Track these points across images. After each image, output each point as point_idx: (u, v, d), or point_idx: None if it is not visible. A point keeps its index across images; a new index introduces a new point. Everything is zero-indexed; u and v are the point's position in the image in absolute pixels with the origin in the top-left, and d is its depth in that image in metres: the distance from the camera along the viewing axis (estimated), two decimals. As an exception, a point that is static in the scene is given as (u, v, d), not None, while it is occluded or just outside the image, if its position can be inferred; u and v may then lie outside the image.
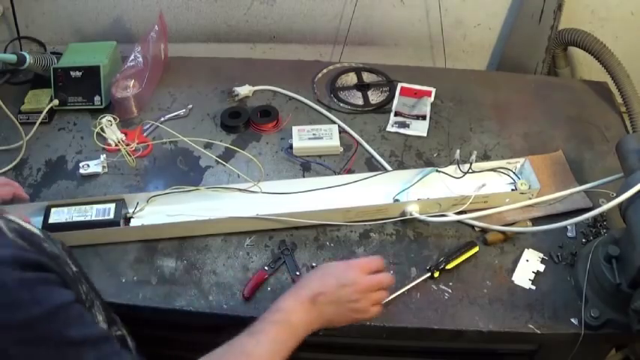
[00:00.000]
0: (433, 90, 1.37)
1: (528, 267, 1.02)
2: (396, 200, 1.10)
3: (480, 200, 1.09)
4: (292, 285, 0.88)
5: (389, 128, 1.29)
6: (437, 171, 1.12)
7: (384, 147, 1.25)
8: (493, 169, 1.15)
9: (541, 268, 1.02)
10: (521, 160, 1.15)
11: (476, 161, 1.12)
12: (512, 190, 1.12)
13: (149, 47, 1.34)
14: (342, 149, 1.23)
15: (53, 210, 1.03)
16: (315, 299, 0.80)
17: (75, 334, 0.56)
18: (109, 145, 1.23)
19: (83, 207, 1.05)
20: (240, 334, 0.76)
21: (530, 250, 1.05)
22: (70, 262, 0.72)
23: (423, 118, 1.30)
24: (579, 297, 0.96)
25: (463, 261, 1.03)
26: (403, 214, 1.08)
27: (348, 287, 0.82)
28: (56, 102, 1.29)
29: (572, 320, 0.95)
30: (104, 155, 1.19)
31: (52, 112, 1.31)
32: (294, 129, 1.23)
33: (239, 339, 0.75)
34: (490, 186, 1.13)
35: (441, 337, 0.97)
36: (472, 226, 1.09)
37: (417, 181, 1.12)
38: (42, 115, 1.26)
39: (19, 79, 1.41)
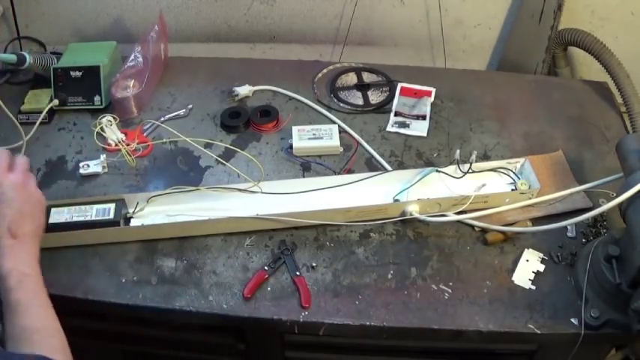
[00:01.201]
0: (433, 90, 1.37)
1: (528, 267, 1.02)
2: (396, 200, 1.10)
3: (480, 200, 1.09)
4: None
5: (389, 128, 1.29)
6: (437, 171, 1.12)
7: (384, 147, 1.25)
8: (493, 169, 1.15)
9: (541, 268, 1.02)
10: (521, 160, 1.15)
11: (476, 161, 1.12)
12: (512, 190, 1.11)
13: (149, 47, 1.34)
14: (342, 149, 1.23)
15: (53, 210, 1.03)
16: (12, 233, 0.81)
17: None
18: (109, 145, 1.23)
19: (83, 207, 1.04)
20: (7, 320, 0.76)
21: (530, 250, 1.05)
22: None
23: (423, 118, 1.30)
24: (579, 297, 0.96)
25: (462, 261, 1.03)
26: (403, 214, 1.08)
27: (14, 193, 0.84)
28: (56, 102, 1.29)
29: (572, 320, 0.95)
30: (104, 155, 1.19)
31: (52, 112, 1.31)
32: (294, 129, 1.24)
33: (15, 325, 0.75)
34: (490, 186, 1.13)
35: (441, 337, 0.97)
36: (472, 226, 1.08)
37: (417, 181, 1.12)
38: (42, 115, 1.26)
39: (19, 79, 1.41)
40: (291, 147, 1.22)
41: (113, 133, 1.23)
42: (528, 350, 1.07)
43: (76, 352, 0.77)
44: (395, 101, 1.35)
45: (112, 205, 1.05)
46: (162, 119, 1.30)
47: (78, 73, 1.30)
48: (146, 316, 1.00)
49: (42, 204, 0.89)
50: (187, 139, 1.15)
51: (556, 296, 0.98)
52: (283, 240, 1.07)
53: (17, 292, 0.77)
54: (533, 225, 1.07)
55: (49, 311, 0.79)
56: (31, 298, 0.78)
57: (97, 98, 1.31)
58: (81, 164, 1.19)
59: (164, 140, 1.24)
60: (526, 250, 1.05)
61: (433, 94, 1.36)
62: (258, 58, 1.55)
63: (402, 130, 1.28)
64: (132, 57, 1.31)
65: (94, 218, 1.03)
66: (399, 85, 1.39)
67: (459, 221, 1.08)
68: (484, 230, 1.07)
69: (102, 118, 1.23)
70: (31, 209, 0.85)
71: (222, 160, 1.18)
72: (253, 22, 1.56)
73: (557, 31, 1.45)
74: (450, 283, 1.00)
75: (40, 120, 1.25)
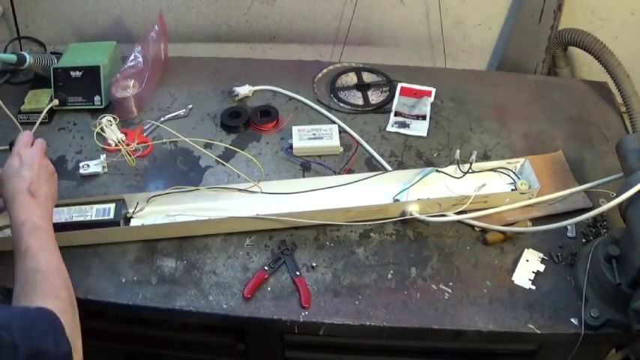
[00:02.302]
0: (433, 90, 1.37)
1: (528, 267, 1.02)
2: (396, 200, 1.10)
3: (480, 200, 1.09)
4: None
5: (389, 128, 1.29)
6: (437, 171, 1.12)
7: (384, 147, 1.24)
8: (493, 169, 1.15)
9: (541, 268, 1.02)
10: (521, 160, 1.15)
11: (476, 161, 1.12)
12: (512, 190, 1.11)
13: (149, 47, 1.34)
14: (342, 149, 1.23)
15: (53, 210, 1.03)
16: (31, 192, 0.89)
17: None
18: (109, 145, 1.23)
19: (83, 207, 1.05)
20: (16, 267, 0.80)
21: (530, 250, 1.05)
22: None
23: (423, 118, 1.30)
24: (579, 297, 0.96)
25: (462, 261, 1.03)
26: (403, 214, 1.08)
27: (34, 160, 0.93)
28: (56, 102, 1.29)
29: (572, 320, 0.95)
30: (104, 155, 1.19)
31: (52, 112, 1.31)
32: (294, 129, 1.24)
33: (21, 269, 0.80)
34: (490, 186, 1.13)
35: (441, 337, 0.97)
36: (472, 226, 1.08)
37: (417, 181, 1.12)
38: (42, 115, 1.26)
39: (19, 79, 1.41)
40: (291, 147, 1.22)
41: (113, 133, 1.23)
42: (528, 350, 1.07)
43: (76, 352, 0.77)
44: (395, 101, 1.35)
45: (112, 205, 1.05)
46: (163, 119, 1.30)
47: (78, 73, 1.30)
48: (146, 316, 1.00)
49: (55, 176, 0.97)
50: (187, 140, 1.15)
51: (556, 296, 0.98)
52: (283, 240, 1.07)
53: (28, 240, 0.82)
54: (533, 225, 1.07)
55: (56, 256, 0.83)
56: (40, 245, 0.82)
57: (97, 98, 1.31)
58: (81, 164, 1.19)
59: (164, 140, 1.24)
60: (526, 250, 1.05)
61: (433, 94, 1.36)
62: (258, 58, 1.55)
63: (402, 130, 1.28)
64: (132, 57, 1.31)
65: (94, 218, 1.03)
66: (399, 85, 1.39)
67: (459, 221, 1.08)
68: (484, 230, 1.07)
69: (102, 118, 1.22)
70: (47, 176, 0.94)
71: (222, 161, 1.18)
72: (253, 22, 1.56)
73: (557, 31, 1.45)
74: (450, 283, 1.00)
75: (40, 120, 1.25)
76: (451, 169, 1.13)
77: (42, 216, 0.87)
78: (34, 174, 0.91)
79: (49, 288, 0.77)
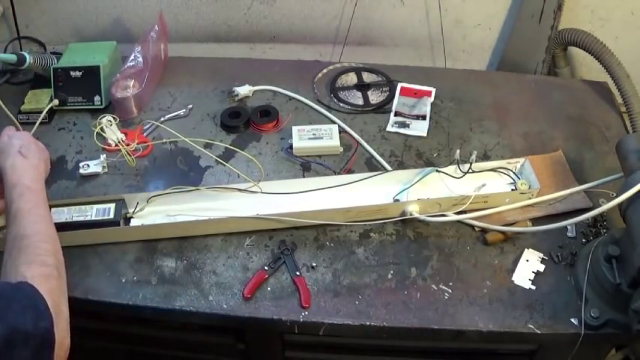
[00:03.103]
0: (433, 90, 1.37)
1: (528, 267, 1.02)
2: (396, 200, 1.10)
3: (480, 200, 1.09)
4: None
5: (389, 128, 1.29)
6: (437, 171, 1.12)
7: (384, 147, 1.24)
8: (493, 169, 1.15)
9: (541, 268, 1.02)
10: (521, 160, 1.15)
11: (476, 161, 1.12)
12: (512, 190, 1.12)
13: (149, 47, 1.34)
14: (342, 149, 1.23)
15: (53, 210, 1.03)
16: (22, 153, 0.94)
17: None
18: (109, 145, 1.23)
19: (83, 207, 1.05)
20: (7, 231, 0.83)
21: (530, 250, 1.05)
22: None
23: (423, 118, 1.30)
24: (579, 297, 0.96)
25: (462, 261, 1.03)
26: (403, 214, 1.08)
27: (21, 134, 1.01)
28: (56, 102, 1.29)
29: (572, 320, 0.95)
30: (104, 155, 1.19)
31: (52, 112, 1.31)
32: (294, 129, 1.23)
33: (9, 234, 0.82)
34: (490, 186, 1.13)
35: (441, 337, 0.97)
36: (472, 226, 1.08)
37: (417, 181, 1.12)
38: (42, 115, 1.26)
39: (19, 79, 1.41)
40: (291, 147, 1.22)
41: (113, 133, 1.23)
42: (528, 350, 1.07)
43: (76, 352, 0.77)
44: (395, 101, 1.35)
45: (112, 205, 1.05)
46: (163, 119, 1.30)
47: (78, 73, 1.30)
48: (146, 316, 1.00)
49: (47, 154, 1.02)
50: (187, 140, 1.15)
51: (556, 296, 0.98)
52: (283, 240, 1.07)
53: (18, 202, 0.85)
54: (533, 225, 1.07)
55: (44, 220, 0.85)
56: (30, 208, 0.84)
57: (97, 98, 1.31)
58: (81, 164, 1.19)
59: (164, 140, 1.24)
60: (526, 250, 1.05)
61: (433, 94, 1.36)
62: (258, 58, 1.55)
63: (402, 130, 1.28)
64: (132, 57, 1.31)
65: (94, 218, 1.03)
66: (399, 85, 1.39)
67: (459, 221, 1.08)
68: (484, 230, 1.07)
69: (102, 118, 1.22)
70: (37, 147, 0.99)
71: (222, 161, 1.18)
72: (253, 22, 1.56)
73: (557, 31, 1.45)
74: (450, 283, 1.00)
75: (40, 120, 1.25)
76: (451, 169, 1.13)
77: (33, 178, 0.90)
78: (25, 141, 0.97)
79: (34, 254, 0.78)
